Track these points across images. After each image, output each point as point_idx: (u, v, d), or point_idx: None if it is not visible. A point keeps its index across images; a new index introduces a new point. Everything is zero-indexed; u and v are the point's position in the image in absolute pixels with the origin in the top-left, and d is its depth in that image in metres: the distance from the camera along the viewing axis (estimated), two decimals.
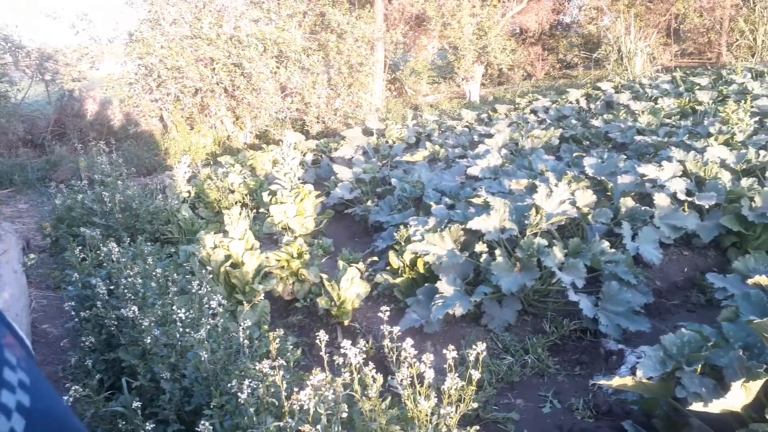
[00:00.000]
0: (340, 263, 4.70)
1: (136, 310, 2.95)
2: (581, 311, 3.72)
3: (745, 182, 4.73)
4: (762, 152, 5.45)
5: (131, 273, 3.50)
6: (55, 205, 6.48)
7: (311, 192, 6.30)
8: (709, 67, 15.70)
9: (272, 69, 11.85)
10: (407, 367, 2.23)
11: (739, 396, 2.04)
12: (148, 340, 2.75)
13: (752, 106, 7.81)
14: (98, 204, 5.93)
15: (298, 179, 6.46)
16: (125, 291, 3.37)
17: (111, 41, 12.96)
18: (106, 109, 13.85)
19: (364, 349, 2.22)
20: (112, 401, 2.75)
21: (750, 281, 3.01)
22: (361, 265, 4.75)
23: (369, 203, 6.69)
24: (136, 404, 2.28)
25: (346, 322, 4.42)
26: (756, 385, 2.05)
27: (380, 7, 15.01)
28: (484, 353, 2.30)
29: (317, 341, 2.27)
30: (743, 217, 4.39)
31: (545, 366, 3.64)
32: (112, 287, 3.63)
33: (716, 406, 2.05)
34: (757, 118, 7.39)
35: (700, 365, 2.42)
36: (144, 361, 2.81)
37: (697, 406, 2.11)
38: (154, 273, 3.68)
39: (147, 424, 2.20)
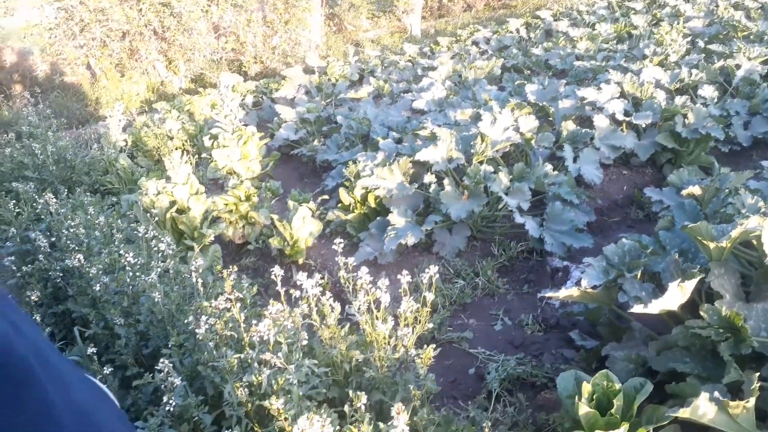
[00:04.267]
0: (291, 203, 4.65)
1: (82, 258, 2.86)
2: (527, 232, 3.85)
3: (679, 100, 4.91)
4: (694, 71, 5.63)
5: (72, 224, 3.37)
6: None
7: (254, 134, 6.12)
8: None
9: (203, 7, 11.27)
10: (363, 294, 2.26)
11: (675, 295, 2.18)
12: (98, 288, 2.68)
13: (684, 27, 8.00)
14: (29, 157, 5.62)
15: (240, 122, 6.25)
16: (68, 242, 3.26)
17: None
18: (27, 60, 12.95)
19: (320, 282, 2.23)
20: (65, 351, 2.69)
21: (684, 192, 3.17)
22: (312, 205, 4.71)
23: (315, 143, 6.59)
24: (91, 350, 2.24)
25: (300, 261, 4.43)
26: (691, 284, 2.18)
27: None
28: (437, 276, 2.35)
29: (273, 277, 2.26)
30: (677, 134, 4.57)
31: (495, 287, 3.78)
32: (53, 240, 3.50)
33: (655, 307, 2.18)
34: (689, 39, 7.58)
35: (639, 272, 2.56)
36: (95, 310, 2.74)
37: (638, 308, 2.23)
38: (96, 222, 3.55)
39: (104, 369, 2.18)
